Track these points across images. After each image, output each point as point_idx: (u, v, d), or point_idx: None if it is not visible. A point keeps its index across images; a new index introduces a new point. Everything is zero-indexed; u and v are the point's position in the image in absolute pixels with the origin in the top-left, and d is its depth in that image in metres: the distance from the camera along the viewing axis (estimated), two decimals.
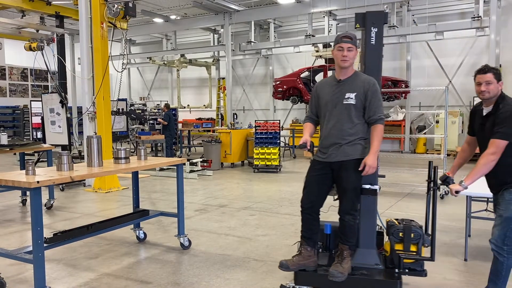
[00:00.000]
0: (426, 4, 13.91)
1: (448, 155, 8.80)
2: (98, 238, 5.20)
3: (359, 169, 3.31)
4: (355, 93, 3.35)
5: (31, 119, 15.90)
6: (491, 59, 11.89)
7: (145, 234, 5.32)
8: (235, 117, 16.20)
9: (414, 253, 3.43)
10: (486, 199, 4.91)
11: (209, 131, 16.85)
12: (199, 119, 19.10)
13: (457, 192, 3.23)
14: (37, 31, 9.23)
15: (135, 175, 5.34)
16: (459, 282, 3.98)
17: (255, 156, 11.15)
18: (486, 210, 4.97)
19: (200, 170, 10.64)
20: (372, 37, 3.59)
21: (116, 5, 8.43)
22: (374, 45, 3.59)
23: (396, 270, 3.42)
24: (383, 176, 3.67)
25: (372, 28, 3.58)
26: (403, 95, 14.97)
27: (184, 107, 19.51)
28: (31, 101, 16.05)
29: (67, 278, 4.11)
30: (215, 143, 11.67)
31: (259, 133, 11.21)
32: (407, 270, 3.45)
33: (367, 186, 3.50)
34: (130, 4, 8.52)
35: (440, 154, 11.69)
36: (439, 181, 3.40)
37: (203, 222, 6.17)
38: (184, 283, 3.97)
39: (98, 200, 7.86)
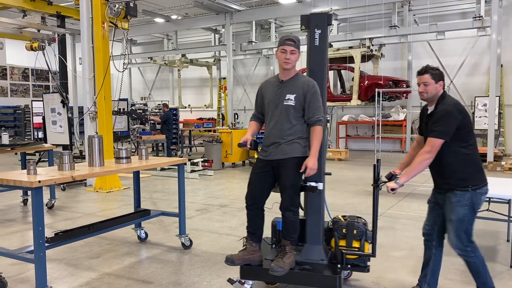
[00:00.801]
0: (427, 4, 13.90)
1: None
2: (99, 238, 5.21)
3: (301, 170, 3.39)
4: (294, 95, 3.44)
5: (32, 119, 15.92)
6: (493, 59, 11.86)
7: (146, 234, 5.32)
8: (236, 117, 16.20)
9: (356, 249, 3.51)
10: (488, 199, 4.90)
11: (210, 131, 16.86)
12: (200, 119, 19.11)
13: (392, 189, 3.27)
14: (39, 31, 9.24)
15: (136, 174, 5.35)
16: (461, 282, 3.97)
17: (256, 156, 11.13)
18: (488, 210, 4.96)
19: (201, 170, 10.64)
20: (316, 38, 3.64)
21: (117, 5, 8.44)
22: (318, 46, 3.65)
23: (339, 266, 3.49)
24: (329, 174, 3.78)
25: (316, 29, 3.64)
26: (404, 95, 14.96)
27: (185, 107, 19.52)
28: (32, 101, 16.07)
29: (68, 278, 4.12)
30: (216, 143, 11.66)
31: (260, 133, 11.18)
32: (349, 266, 3.53)
33: (312, 184, 3.58)
34: (131, 4, 8.52)
35: None
36: (385, 179, 3.46)
37: (204, 222, 6.17)
38: (185, 283, 3.97)
39: (99, 200, 7.86)
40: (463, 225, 3.20)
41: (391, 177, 3.42)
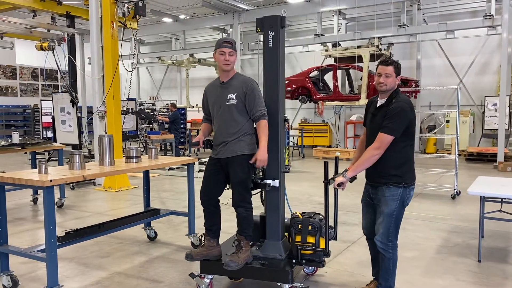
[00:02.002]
0: (437, 3, 13.78)
1: (459, 155, 8.70)
2: (109, 237, 5.22)
3: (251, 162, 3.54)
4: (235, 94, 3.57)
5: (41, 118, 16.04)
6: (503, 58, 11.75)
7: (155, 233, 5.33)
8: None
9: (310, 245, 3.58)
10: (500, 199, 4.85)
11: None
12: None
13: (339, 184, 3.30)
14: (48, 31, 9.29)
15: (146, 174, 5.35)
16: (473, 283, 3.93)
17: None
18: (500, 211, 4.90)
19: None
20: (270, 40, 3.72)
21: (126, 5, 8.46)
22: (272, 48, 3.73)
23: (294, 261, 3.57)
24: (287, 172, 3.85)
25: (269, 32, 3.73)
26: (413, 94, 14.87)
27: (193, 107, 19.54)
28: (41, 100, 16.18)
29: (79, 277, 4.13)
30: None
31: None
32: (304, 261, 3.59)
33: (266, 181, 3.68)
34: (140, 4, 8.55)
35: (450, 154, 11.59)
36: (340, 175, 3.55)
37: None
38: (195, 282, 3.95)
39: (109, 199, 7.89)
40: (392, 219, 3.27)
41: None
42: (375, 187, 3.37)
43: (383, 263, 3.36)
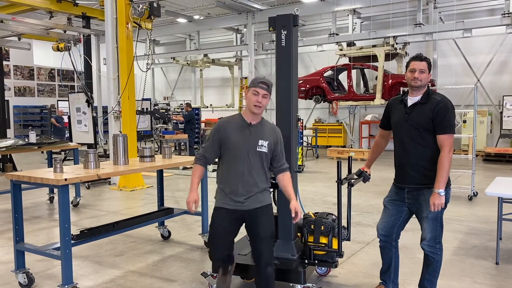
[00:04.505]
0: (454, 1, 13.58)
1: (476, 155, 8.56)
2: (123, 235, 5.25)
3: (293, 217, 3.11)
4: (267, 142, 3.24)
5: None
6: None
7: (169, 232, 5.35)
8: None
9: (323, 245, 3.55)
10: None
11: None
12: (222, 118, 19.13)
13: (438, 203, 3.10)
14: (65, 31, 9.41)
15: (160, 173, 5.38)
16: (491, 286, 3.85)
17: None
18: None
19: None
20: (282, 39, 3.71)
21: (141, 6, 8.52)
22: (284, 47, 3.71)
23: (306, 261, 3.56)
24: (300, 171, 3.91)
25: (282, 30, 3.72)
26: None
27: (207, 107, 19.61)
28: (58, 100, 16.41)
29: (93, 275, 4.16)
30: None
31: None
32: (316, 261, 3.58)
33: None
34: (155, 4, 8.60)
35: (467, 154, 11.40)
36: (354, 176, 3.53)
37: None
38: (207, 281, 3.95)
39: (123, 198, 7.96)
40: (438, 222, 3.21)
41: (360, 173, 3.53)
42: (414, 191, 3.23)
43: (430, 267, 3.28)
